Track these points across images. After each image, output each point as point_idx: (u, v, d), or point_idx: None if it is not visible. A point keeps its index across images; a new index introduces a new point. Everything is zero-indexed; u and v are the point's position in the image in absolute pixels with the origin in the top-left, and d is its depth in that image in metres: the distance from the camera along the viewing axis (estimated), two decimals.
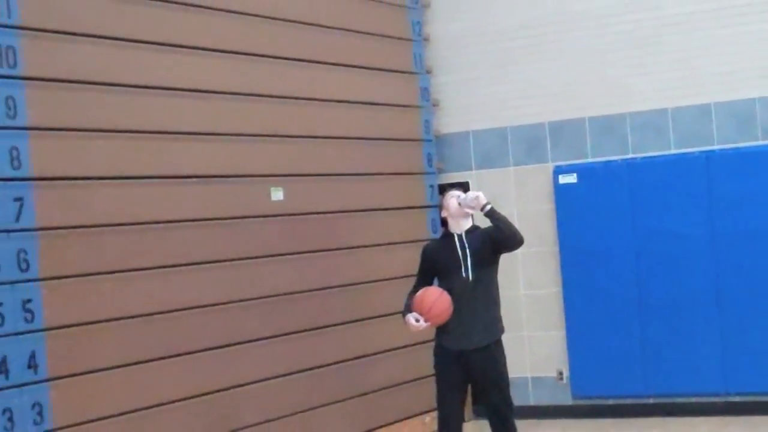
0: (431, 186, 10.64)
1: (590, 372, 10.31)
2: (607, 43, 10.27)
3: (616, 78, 10.26)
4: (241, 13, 8.70)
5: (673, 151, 10.11)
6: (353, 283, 9.49)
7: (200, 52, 8.30)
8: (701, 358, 9.93)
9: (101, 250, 7.41)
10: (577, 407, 10.42)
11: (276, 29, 9.01)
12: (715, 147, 9.97)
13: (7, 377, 6.73)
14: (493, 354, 7.57)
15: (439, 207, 8.18)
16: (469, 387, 7.89)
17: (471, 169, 10.77)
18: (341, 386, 9.27)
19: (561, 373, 10.48)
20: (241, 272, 8.48)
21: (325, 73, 9.47)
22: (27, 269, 6.89)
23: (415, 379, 9.80)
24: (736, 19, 9.84)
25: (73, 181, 7.29)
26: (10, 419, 6.72)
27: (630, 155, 10.25)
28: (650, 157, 10.17)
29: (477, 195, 7.52)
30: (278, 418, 8.66)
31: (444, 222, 7.92)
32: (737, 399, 9.92)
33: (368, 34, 10.01)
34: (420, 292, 7.50)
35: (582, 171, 10.31)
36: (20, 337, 6.83)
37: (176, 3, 8.11)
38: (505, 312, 7.75)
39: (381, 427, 9.65)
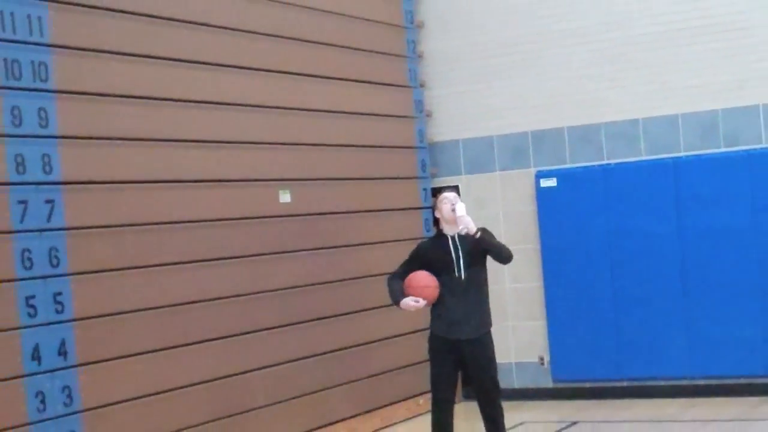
0: (425, 189, 10.60)
1: (569, 357, 10.27)
2: (584, 59, 10.22)
3: (592, 91, 10.22)
4: (258, 33, 8.67)
5: (644, 158, 10.07)
6: (355, 277, 9.44)
7: (217, 68, 8.26)
8: (669, 344, 9.89)
9: (124, 248, 7.36)
10: (557, 390, 10.37)
11: (288, 48, 8.99)
12: (682, 154, 9.93)
13: (39, 363, 6.69)
14: (484, 343, 7.50)
15: (432, 208, 8.11)
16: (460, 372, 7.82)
17: (461, 174, 10.72)
18: (344, 371, 9.22)
19: (542, 359, 10.42)
20: (252, 268, 8.42)
21: (329, 87, 9.43)
22: (57, 265, 6.85)
23: (411, 365, 9.75)
24: (700, 38, 9.81)
25: (99, 185, 7.24)
26: (42, 401, 6.68)
27: (605, 161, 10.21)
28: (623, 162, 10.12)
29: (468, 228, 7.41)
30: (287, 400, 8.60)
31: (436, 222, 7.84)
32: (701, 382, 9.87)
33: (369, 51, 9.99)
34: (409, 279, 7.44)
35: (561, 175, 10.26)
36: (51, 326, 6.79)
37: (192, 22, 8.05)
38: (492, 304, 7.67)
39: (380, 407, 9.60)
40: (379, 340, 9.65)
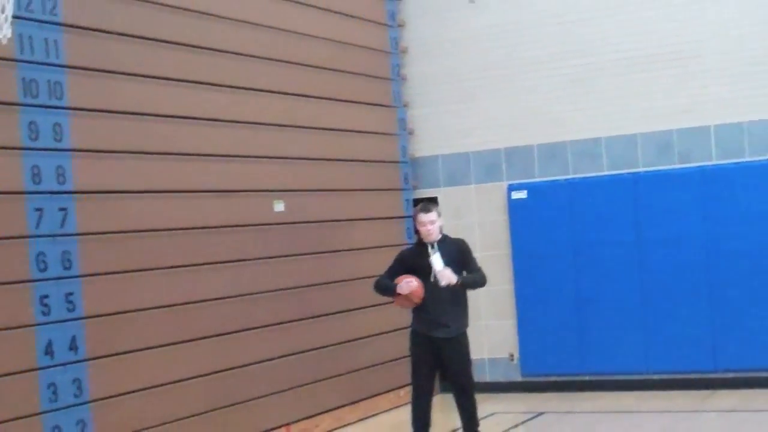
0: (407, 200, 10.58)
1: (536, 354, 10.24)
2: (552, 84, 10.22)
3: (558, 112, 10.22)
4: (257, 57, 8.64)
5: (606, 173, 10.07)
6: (343, 280, 9.39)
7: (217, 88, 8.22)
8: (627, 342, 9.89)
9: (131, 252, 7.31)
10: (526, 383, 10.34)
11: (284, 71, 8.97)
12: (641, 170, 9.93)
13: (52, 357, 6.64)
14: (460, 342, 7.48)
15: (414, 218, 8.06)
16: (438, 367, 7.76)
17: (440, 186, 10.69)
18: (332, 365, 9.17)
19: (512, 355, 10.39)
20: (249, 271, 8.37)
21: (321, 107, 9.40)
22: (69, 267, 6.80)
23: (393, 360, 9.71)
24: (656, 65, 9.84)
25: (108, 194, 7.19)
26: (54, 392, 6.63)
27: (570, 176, 10.20)
28: (587, 177, 10.12)
29: (449, 281, 7.29)
30: (281, 391, 8.55)
31: (417, 230, 7.80)
32: (656, 376, 9.87)
33: (357, 74, 9.96)
34: (397, 279, 7.40)
35: (531, 189, 10.25)
36: (63, 324, 6.74)
37: (195, 46, 8.01)
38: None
39: (365, 399, 9.56)
40: (365, 337, 9.61)
